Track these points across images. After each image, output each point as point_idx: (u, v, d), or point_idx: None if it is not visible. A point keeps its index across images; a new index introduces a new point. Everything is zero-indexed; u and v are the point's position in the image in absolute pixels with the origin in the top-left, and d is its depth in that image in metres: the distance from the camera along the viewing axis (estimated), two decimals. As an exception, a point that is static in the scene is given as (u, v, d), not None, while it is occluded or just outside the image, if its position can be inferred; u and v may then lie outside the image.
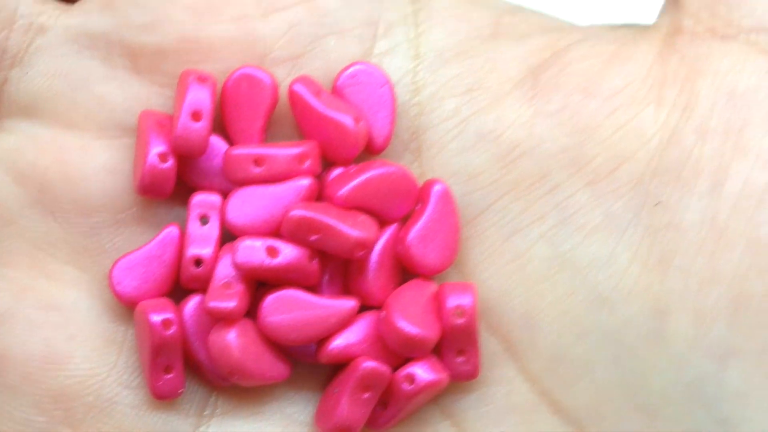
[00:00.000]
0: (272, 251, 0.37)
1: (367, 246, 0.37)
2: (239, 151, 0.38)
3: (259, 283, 0.39)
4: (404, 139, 0.39)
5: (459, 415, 0.39)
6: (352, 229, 0.37)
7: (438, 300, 0.38)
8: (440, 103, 0.39)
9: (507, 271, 0.38)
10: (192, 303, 0.39)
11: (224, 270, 0.38)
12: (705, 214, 0.37)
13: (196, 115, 0.38)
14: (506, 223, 0.38)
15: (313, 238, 0.37)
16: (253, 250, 0.37)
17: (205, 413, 0.39)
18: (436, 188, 0.38)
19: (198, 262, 0.38)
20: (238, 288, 0.38)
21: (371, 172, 0.38)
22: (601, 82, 0.38)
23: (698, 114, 0.37)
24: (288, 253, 0.38)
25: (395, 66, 0.40)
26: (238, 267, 0.37)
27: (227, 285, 0.38)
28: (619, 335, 0.37)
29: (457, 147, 0.39)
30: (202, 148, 0.38)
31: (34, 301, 0.39)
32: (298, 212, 0.37)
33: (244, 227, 0.38)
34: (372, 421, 0.39)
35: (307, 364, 0.40)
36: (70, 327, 0.39)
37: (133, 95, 0.39)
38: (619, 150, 0.37)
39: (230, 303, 0.37)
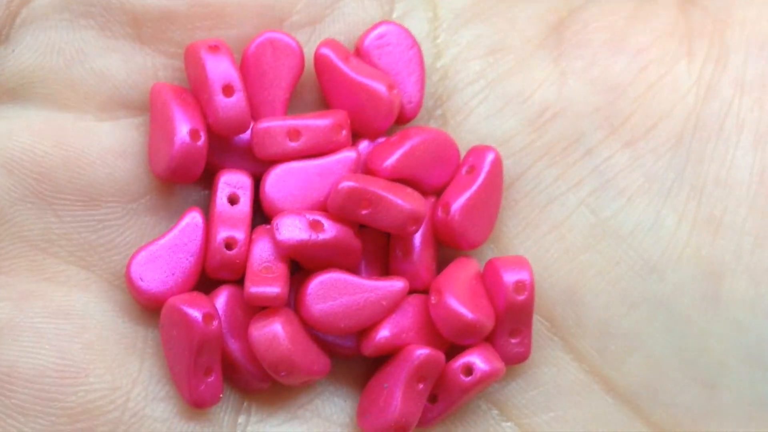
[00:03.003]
0: (316, 225, 0.33)
1: (419, 220, 0.34)
2: (269, 124, 0.34)
3: (295, 268, 0.35)
4: (429, 106, 0.36)
5: (505, 402, 0.36)
6: (405, 201, 0.34)
7: (489, 277, 0.35)
8: (464, 66, 0.36)
9: (546, 243, 0.36)
10: (223, 295, 0.34)
11: (261, 253, 0.34)
12: (753, 168, 0.36)
13: (227, 90, 0.34)
14: (542, 191, 0.36)
15: (365, 212, 0.33)
16: (296, 225, 0.33)
17: (239, 421, 0.35)
18: (490, 155, 0.35)
19: (229, 244, 0.34)
20: (280, 271, 0.33)
21: (415, 139, 0.35)
22: (627, 39, 0.37)
23: (732, 66, 0.36)
24: (332, 227, 0.34)
25: (414, 29, 0.37)
26: (280, 245, 0.33)
27: (267, 269, 0.33)
28: (671, 303, 0.35)
29: (485, 111, 0.36)
30: (245, 123, 0.34)
31: (39, 308, 0.33)
32: (348, 184, 0.33)
33: (286, 207, 0.34)
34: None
35: (342, 359, 0.36)
36: (84, 335, 0.33)
37: (137, 68, 0.34)
38: (654, 107, 0.36)
39: (274, 288, 0.33)
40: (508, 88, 0.36)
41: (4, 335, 0.33)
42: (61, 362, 0.33)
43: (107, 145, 0.34)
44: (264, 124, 0.34)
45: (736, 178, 0.35)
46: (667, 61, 0.36)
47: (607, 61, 0.36)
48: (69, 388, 0.33)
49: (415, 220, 0.34)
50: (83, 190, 0.34)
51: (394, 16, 0.37)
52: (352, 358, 0.36)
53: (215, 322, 0.33)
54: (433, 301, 0.34)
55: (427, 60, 0.36)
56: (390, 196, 0.34)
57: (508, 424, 0.36)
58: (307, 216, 0.33)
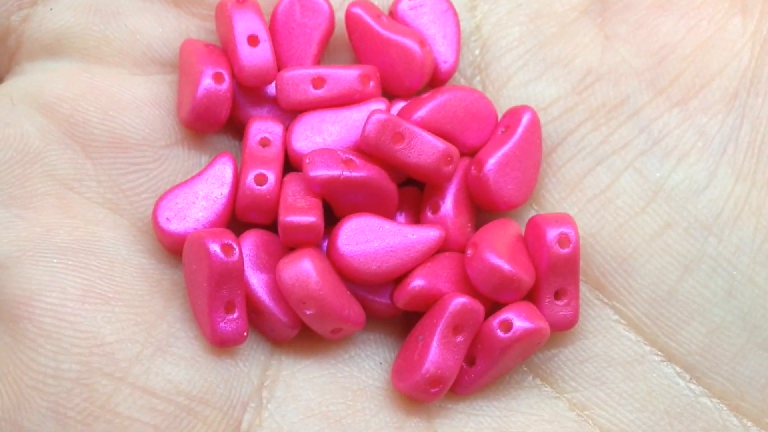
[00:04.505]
0: (349, 162, 0.32)
1: (454, 159, 0.33)
2: (294, 72, 0.34)
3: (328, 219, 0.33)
4: (467, 74, 0.36)
5: (553, 374, 0.34)
6: (439, 140, 0.33)
7: (531, 234, 0.33)
8: (504, 33, 0.36)
9: (592, 207, 0.34)
10: (250, 238, 0.33)
11: (293, 193, 0.33)
12: None
13: (252, 40, 0.33)
14: (586, 155, 0.34)
15: (398, 146, 0.32)
16: (328, 160, 0.32)
17: (268, 373, 0.33)
18: (526, 116, 0.34)
19: (260, 180, 0.32)
20: (314, 202, 0.32)
21: (447, 95, 0.34)
22: (676, 0, 0.36)
23: None
24: (365, 165, 0.32)
25: (454, 0, 0.36)
26: (312, 180, 0.32)
27: (301, 201, 0.32)
28: (731, 264, 0.33)
29: (525, 77, 0.35)
30: (270, 72, 0.33)
31: (66, 241, 0.32)
32: (382, 115, 0.32)
33: None
34: (456, 382, 0.33)
35: (378, 320, 0.34)
36: (110, 270, 0.32)
37: (171, 28, 0.34)
38: (705, 66, 0.35)
39: (310, 217, 0.32)
40: (548, 54, 0.35)
41: (27, 262, 0.32)
42: (85, 291, 0.32)
43: (140, 95, 0.34)
44: (289, 72, 0.34)
45: None
46: (719, 18, 0.35)
47: (654, 22, 0.35)
48: (90, 314, 0.31)
49: (450, 158, 0.33)
50: (115, 133, 0.33)
51: None
52: (390, 320, 0.34)
53: (235, 254, 0.31)
54: (468, 254, 0.33)
55: (467, 30, 0.36)
56: (423, 132, 0.32)
57: (558, 398, 0.34)
58: (341, 153, 0.32)
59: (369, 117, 0.32)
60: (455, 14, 0.35)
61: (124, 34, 0.34)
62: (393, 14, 0.35)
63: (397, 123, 0.32)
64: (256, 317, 0.32)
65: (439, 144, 0.33)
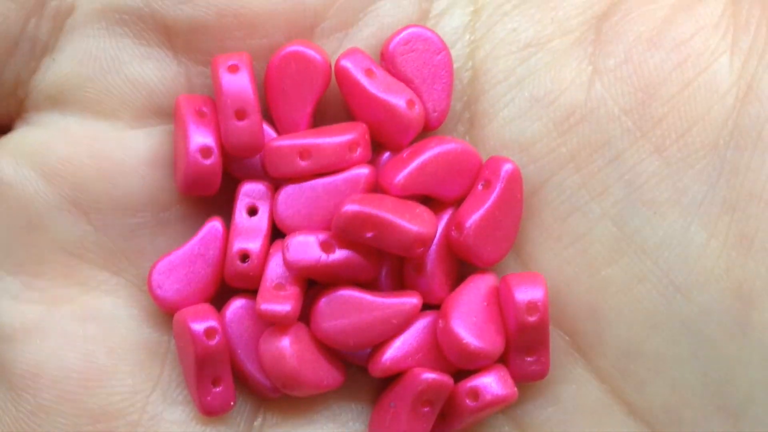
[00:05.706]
0: (327, 246, 0.34)
1: (427, 242, 0.34)
2: (282, 143, 0.35)
3: (311, 282, 0.35)
4: (457, 109, 0.36)
5: (522, 418, 0.36)
6: (411, 224, 0.34)
7: (503, 294, 0.35)
8: (494, 64, 0.35)
9: (567, 255, 0.35)
10: (235, 306, 0.35)
11: (276, 269, 0.34)
12: None
13: (240, 114, 0.34)
14: (564, 200, 0.35)
15: (369, 234, 0.34)
16: (306, 246, 0.34)
17: (254, 425, 0.36)
18: (506, 168, 0.35)
19: (244, 256, 0.34)
20: (292, 290, 0.34)
21: (428, 154, 0.35)
22: (667, 31, 0.35)
23: None
24: (344, 248, 0.34)
25: (453, 25, 0.36)
26: (290, 265, 0.34)
27: (280, 286, 0.34)
28: (697, 326, 0.34)
29: (510, 114, 0.35)
30: (257, 147, 0.34)
31: (69, 312, 0.35)
32: (350, 207, 0.33)
33: (297, 226, 0.35)
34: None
35: (360, 366, 0.36)
36: (110, 339, 0.35)
37: (171, 76, 0.35)
38: (689, 109, 0.34)
39: (284, 306, 0.34)
40: (536, 89, 0.35)
41: (33, 337, 0.34)
42: (86, 365, 0.34)
43: (140, 155, 0.35)
44: (275, 143, 0.34)
45: None
46: (707, 56, 0.34)
47: (640, 57, 0.34)
48: (91, 390, 0.34)
49: (422, 242, 0.34)
50: (117, 200, 0.35)
51: (433, 13, 0.36)
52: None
53: (217, 338, 0.34)
54: (440, 325, 0.34)
55: (460, 59, 0.36)
56: (395, 219, 0.34)
57: None
58: (319, 236, 0.34)
59: (339, 210, 0.33)
60: (448, 56, 0.35)
61: (125, 85, 0.35)
62: (383, 56, 0.35)
63: (367, 214, 0.33)
64: (243, 379, 0.35)
65: (411, 230, 0.34)
